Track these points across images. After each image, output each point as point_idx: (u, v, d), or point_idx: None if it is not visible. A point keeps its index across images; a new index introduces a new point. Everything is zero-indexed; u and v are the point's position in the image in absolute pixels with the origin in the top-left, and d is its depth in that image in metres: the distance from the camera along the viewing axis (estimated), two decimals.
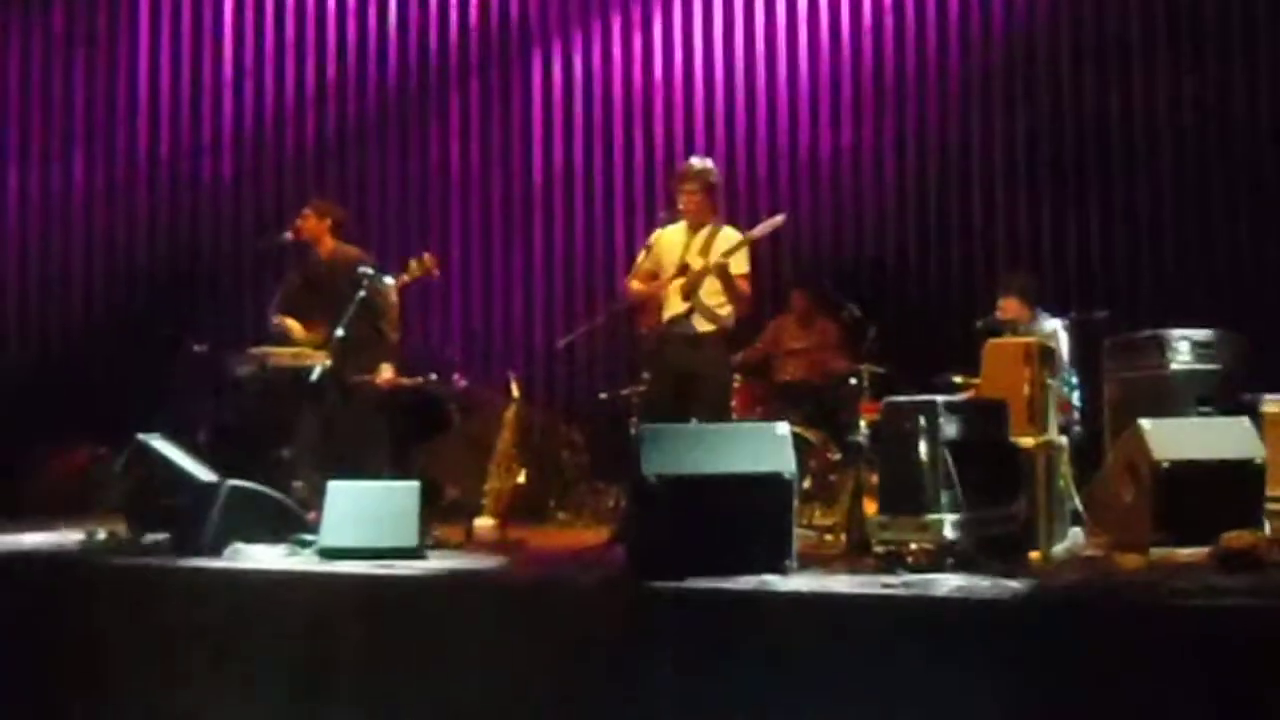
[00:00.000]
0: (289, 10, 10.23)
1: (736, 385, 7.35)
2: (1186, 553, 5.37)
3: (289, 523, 6.18)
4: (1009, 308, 7.53)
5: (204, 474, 6.58)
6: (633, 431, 6.74)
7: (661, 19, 9.79)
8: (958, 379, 6.90)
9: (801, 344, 8.42)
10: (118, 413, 8.59)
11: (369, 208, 9.82)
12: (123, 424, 7.49)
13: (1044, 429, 5.84)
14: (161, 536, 6.33)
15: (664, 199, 8.56)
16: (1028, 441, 5.69)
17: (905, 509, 5.26)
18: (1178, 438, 5.93)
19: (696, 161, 6.78)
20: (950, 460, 5.21)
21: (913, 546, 5.37)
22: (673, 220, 6.71)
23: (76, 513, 7.72)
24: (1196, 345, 7.07)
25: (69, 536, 6.64)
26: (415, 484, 6.15)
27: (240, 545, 5.95)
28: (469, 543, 6.62)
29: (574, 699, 4.78)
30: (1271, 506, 5.87)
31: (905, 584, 4.81)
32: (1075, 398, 7.26)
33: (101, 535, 6.65)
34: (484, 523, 6.72)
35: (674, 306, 6.51)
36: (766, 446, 5.27)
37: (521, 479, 6.85)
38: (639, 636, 4.81)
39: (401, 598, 5.40)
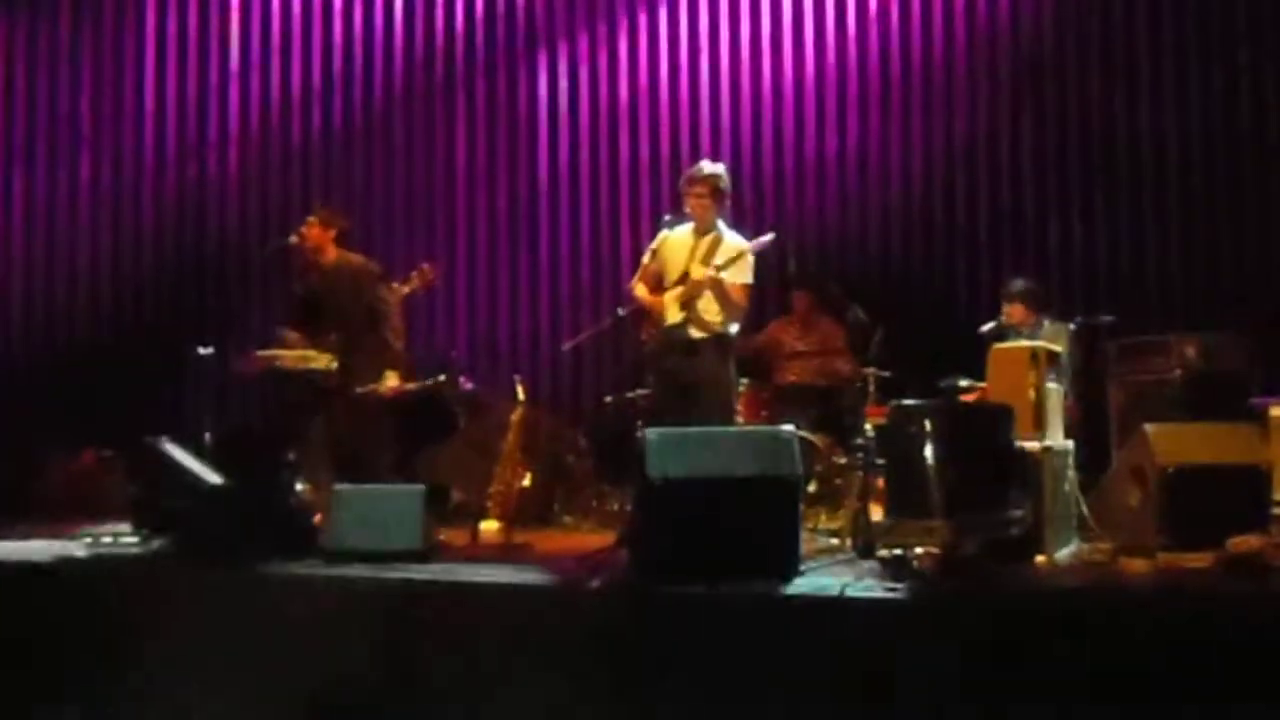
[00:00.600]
0: (295, 13, 10.24)
1: (741, 390, 7.34)
2: (1192, 557, 5.37)
3: (295, 526, 6.18)
4: (1014, 313, 7.54)
5: (210, 477, 6.59)
6: (638, 435, 6.75)
7: (667, 22, 9.79)
8: (963, 383, 6.90)
9: (805, 346, 8.42)
10: (124, 416, 8.63)
11: (374, 211, 9.82)
12: (129, 427, 7.51)
13: (1049, 433, 5.83)
14: (167, 539, 6.33)
15: (668, 202, 8.57)
16: (1033, 446, 5.69)
17: (911, 512, 5.26)
18: (1183, 442, 5.92)
19: (707, 165, 6.76)
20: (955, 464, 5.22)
21: (918, 550, 5.38)
22: (679, 223, 6.69)
23: (83, 515, 7.73)
24: (1203, 349, 7.06)
25: (74, 543, 6.63)
26: (420, 487, 6.15)
27: (246, 548, 5.95)
28: (474, 546, 6.62)
29: (580, 702, 4.78)
30: (1279, 511, 5.86)
31: (911, 587, 4.82)
32: None
33: (107, 538, 6.66)
34: (489, 526, 6.72)
35: (672, 315, 6.51)
36: (772, 450, 5.27)
37: (527, 482, 6.84)
38: (644, 640, 4.82)
39: (407, 601, 5.40)
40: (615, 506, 7.82)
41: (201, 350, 7.35)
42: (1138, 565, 5.34)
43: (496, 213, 10.03)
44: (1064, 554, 5.74)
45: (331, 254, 7.33)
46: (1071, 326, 7.46)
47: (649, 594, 4.96)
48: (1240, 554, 5.24)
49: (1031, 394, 5.80)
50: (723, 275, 6.40)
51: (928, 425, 5.26)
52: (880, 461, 6.02)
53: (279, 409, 7.06)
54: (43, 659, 5.70)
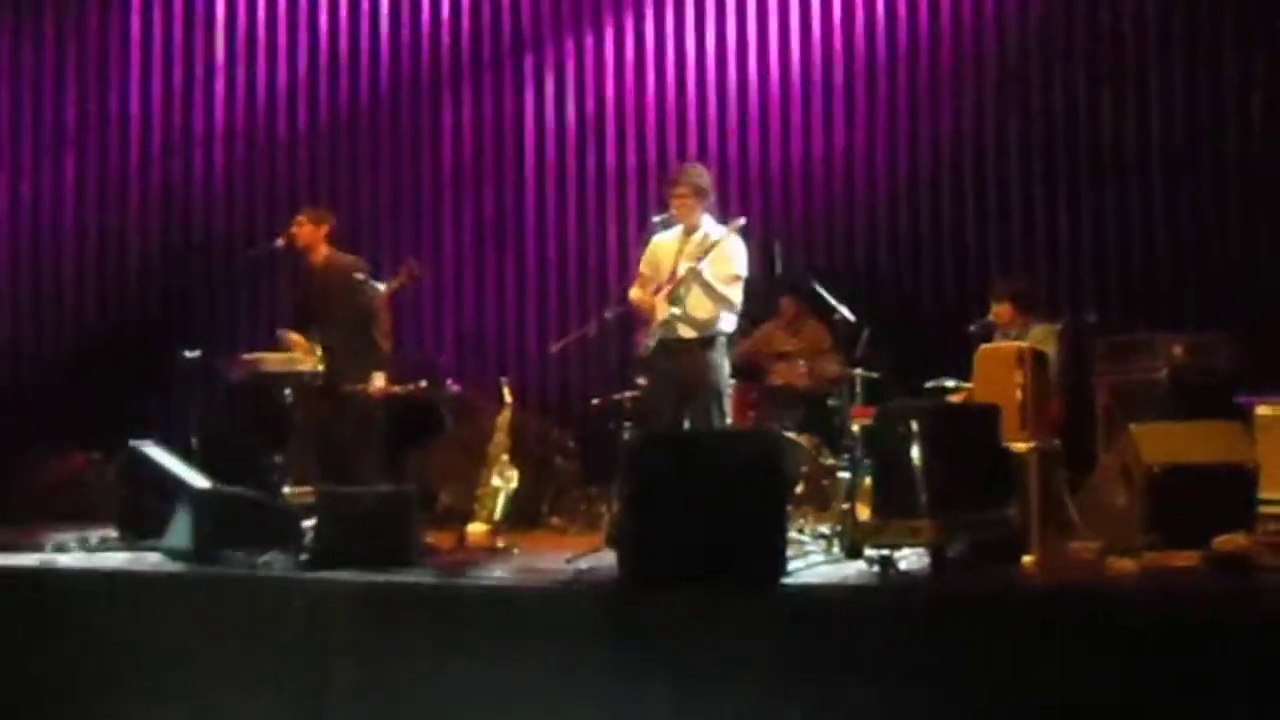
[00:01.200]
0: (280, 12, 10.22)
1: (729, 391, 7.34)
2: (1179, 556, 5.38)
3: (283, 529, 6.17)
4: (1002, 313, 7.53)
5: (197, 480, 6.58)
6: (625, 437, 6.75)
7: (653, 24, 9.79)
8: (950, 384, 6.90)
9: (792, 348, 8.41)
10: (111, 419, 8.60)
11: (361, 212, 9.79)
12: (116, 430, 7.50)
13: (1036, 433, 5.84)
14: (154, 542, 6.32)
15: (655, 203, 8.57)
16: (1020, 446, 5.70)
17: (899, 513, 5.27)
18: (1170, 441, 5.95)
19: (687, 165, 6.82)
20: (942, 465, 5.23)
21: (905, 550, 5.39)
22: (667, 225, 6.72)
23: (70, 519, 7.70)
24: (1189, 349, 7.07)
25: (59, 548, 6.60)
26: (407, 489, 6.15)
27: (230, 551, 5.95)
28: (461, 548, 6.62)
29: (568, 704, 4.78)
30: (1264, 510, 5.88)
31: (900, 588, 4.83)
32: None
33: (94, 541, 6.64)
34: (477, 528, 6.71)
35: (662, 312, 6.52)
36: (760, 451, 5.28)
37: (514, 484, 6.83)
38: (632, 641, 4.82)
39: (394, 604, 5.40)
40: (603, 508, 7.81)
41: (188, 353, 7.32)
42: (1125, 564, 5.35)
43: (483, 214, 10.02)
44: None
45: (323, 252, 7.32)
46: (1059, 326, 7.46)
47: (637, 595, 4.96)
48: (1227, 553, 5.26)
49: (1018, 394, 5.81)
50: (702, 266, 6.41)
51: (915, 426, 5.27)
52: (867, 462, 6.03)
53: (266, 412, 7.03)
54: (18, 664, 5.69)
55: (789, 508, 5.41)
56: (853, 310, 7.18)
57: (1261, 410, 6.48)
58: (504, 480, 6.78)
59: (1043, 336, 7.20)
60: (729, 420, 6.84)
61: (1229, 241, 8.48)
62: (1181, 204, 8.61)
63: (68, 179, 10.33)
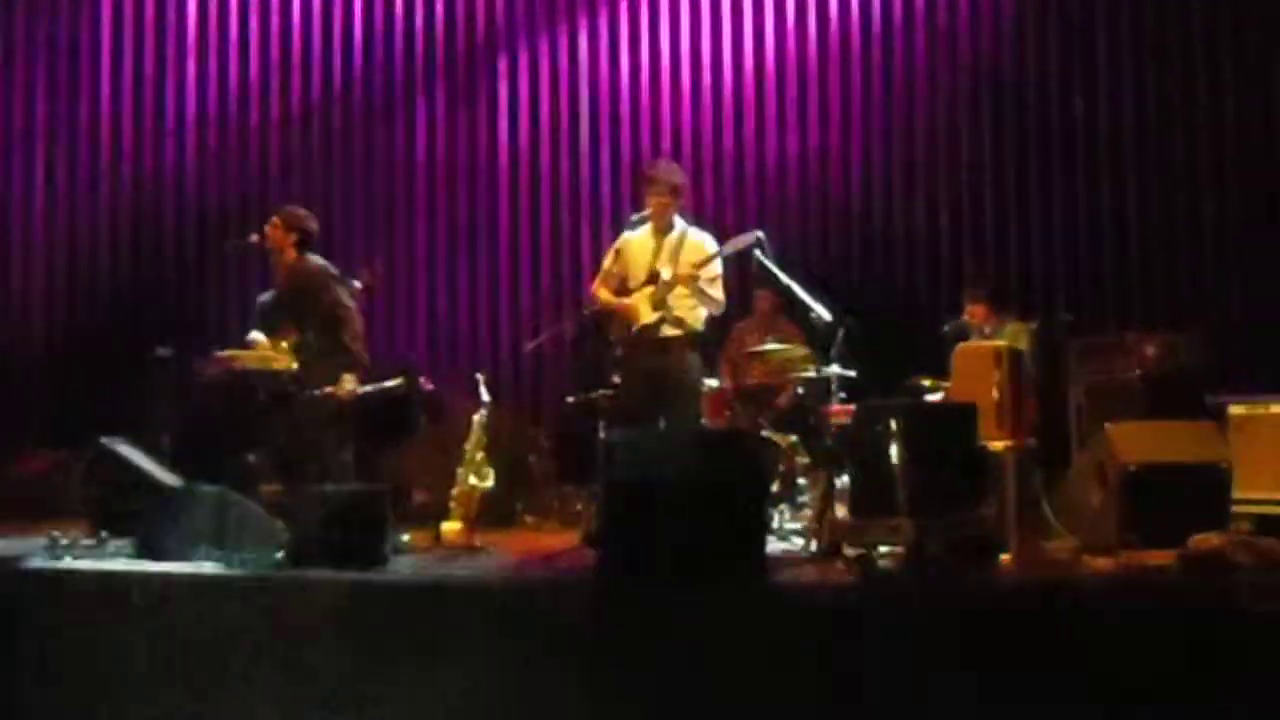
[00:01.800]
0: (252, 9, 10.15)
1: (705, 390, 7.33)
2: (1155, 555, 5.41)
3: (256, 528, 6.12)
4: (976, 312, 7.56)
5: (168, 478, 6.51)
6: (600, 435, 6.72)
7: (627, 22, 9.78)
8: (927, 382, 6.91)
9: (765, 346, 8.39)
10: (80, 417, 8.51)
11: (334, 211, 9.73)
12: (85, 428, 7.41)
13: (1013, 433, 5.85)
14: (125, 541, 6.25)
15: (629, 202, 8.56)
16: (997, 445, 5.71)
17: (876, 512, 5.28)
18: (1145, 441, 5.98)
19: (662, 164, 6.79)
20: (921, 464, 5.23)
21: (883, 549, 5.39)
22: (641, 223, 6.69)
23: (39, 517, 7.61)
24: (1161, 349, 7.11)
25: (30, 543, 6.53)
26: (381, 488, 6.10)
27: (205, 550, 5.90)
28: (437, 547, 6.59)
29: (547, 702, 4.76)
30: (1239, 509, 5.92)
31: (878, 586, 4.83)
32: None
33: (64, 540, 6.56)
34: (451, 527, 6.67)
35: (644, 315, 6.49)
36: (738, 449, 5.28)
37: (490, 483, 6.80)
38: (611, 639, 4.80)
39: (370, 603, 5.36)
40: (578, 507, 7.79)
41: (160, 351, 7.24)
42: (1102, 563, 5.37)
43: (456, 213, 9.98)
44: None
45: (290, 256, 7.24)
46: (1032, 326, 7.49)
47: (616, 593, 4.95)
48: (1202, 551, 5.28)
49: (995, 393, 5.81)
50: (699, 272, 6.40)
51: (894, 425, 5.27)
52: (844, 461, 6.03)
53: (239, 410, 6.96)
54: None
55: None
56: (827, 309, 7.18)
57: (1234, 409, 6.55)
58: (480, 479, 6.75)
59: (1015, 335, 7.23)
60: (704, 419, 6.84)
61: (1200, 242, 8.53)
62: (1153, 205, 8.66)
63: (37, 175, 10.21)
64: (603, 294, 6.69)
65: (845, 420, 6.48)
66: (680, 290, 6.39)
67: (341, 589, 5.40)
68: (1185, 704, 4.08)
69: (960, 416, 5.67)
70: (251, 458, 6.97)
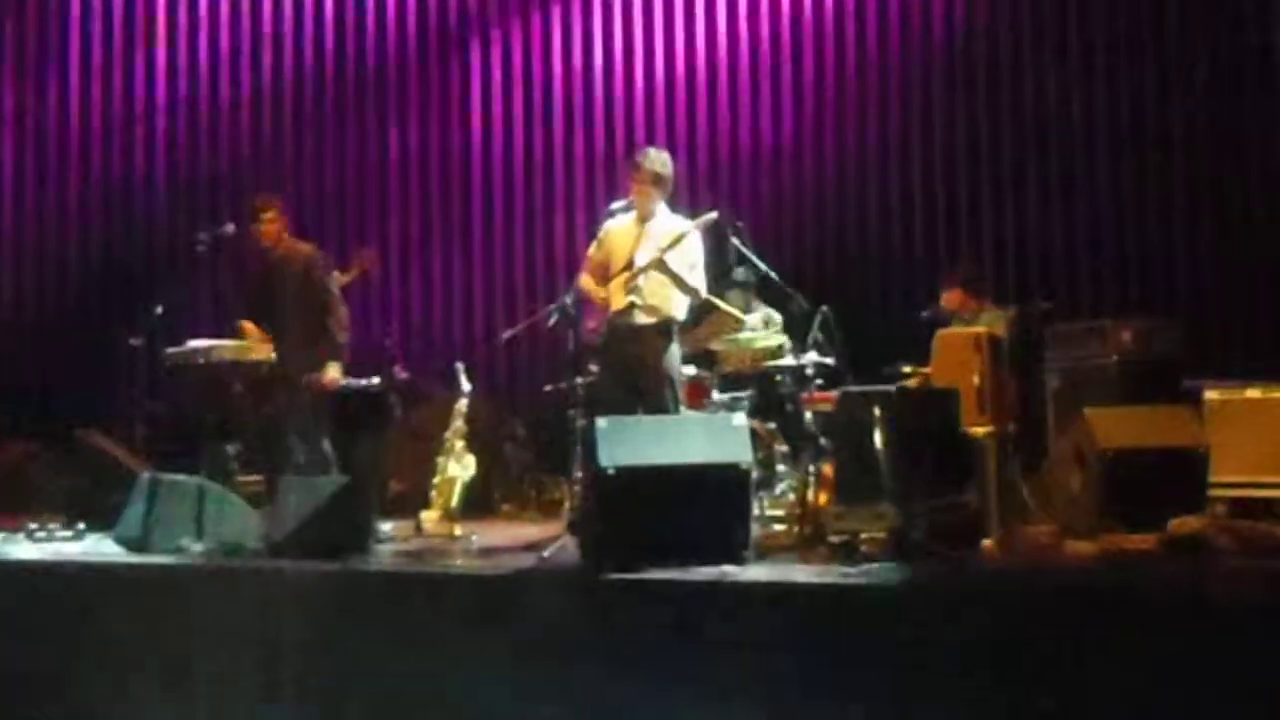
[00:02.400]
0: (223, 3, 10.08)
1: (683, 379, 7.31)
2: (1135, 539, 5.44)
3: (234, 518, 6.09)
4: (953, 299, 7.58)
5: (142, 469, 6.47)
6: (577, 424, 6.69)
7: (601, 8, 9.75)
8: (907, 369, 6.92)
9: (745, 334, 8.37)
10: (53, 407, 8.45)
11: (306, 199, 9.68)
12: (58, 418, 7.35)
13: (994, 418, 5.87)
14: (99, 532, 6.22)
15: (605, 189, 8.54)
16: (978, 431, 5.73)
17: (860, 498, 5.29)
18: (1123, 425, 6.01)
19: (650, 153, 6.69)
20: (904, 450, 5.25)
21: (864, 536, 5.40)
22: (625, 210, 6.64)
23: (13, 508, 7.54)
24: (1137, 334, 7.14)
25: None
26: (360, 477, 6.09)
27: (182, 540, 5.87)
28: (417, 536, 6.57)
29: (530, 691, 4.75)
30: (1215, 493, 5.96)
31: (863, 573, 4.84)
32: None
33: (41, 532, 6.51)
34: (432, 515, 6.65)
35: (618, 301, 6.46)
36: (723, 437, 5.28)
37: (472, 471, 6.77)
38: (595, 628, 4.80)
39: (350, 592, 5.35)
40: (556, 495, 7.78)
41: (133, 340, 7.16)
42: (1084, 548, 5.40)
43: (430, 201, 9.96)
44: None
45: (283, 241, 7.18)
46: (1010, 312, 7.51)
47: (600, 582, 4.94)
48: (1182, 535, 5.32)
49: (976, 379, 5.83)
50: (667, 257, 6.34)
51: (877, 411, 5.28)
52: (826, 448, 6.05)
53: (214, 400, 6.90)
54: None
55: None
56: (805, 296, 7.17)
57: (1210, 394, 6.58)
58: (462, 468, 6.72)
59: (993, 322, 7.25)
60: (683, 408, 6.81)
61: (1173, 228, 8.57)
62: (1126, 192, 8.69)
63: (6, 161, 10.10)
64: (584, 281, 6.66)
65: (824, 407, 6.49)
66: (655, 276, 6.35)
67: (323, 579, 5.38)
68: (1168, 688, 4.10)
69: (943, 402, 5.68)
70: (230, 448, 6.93)
